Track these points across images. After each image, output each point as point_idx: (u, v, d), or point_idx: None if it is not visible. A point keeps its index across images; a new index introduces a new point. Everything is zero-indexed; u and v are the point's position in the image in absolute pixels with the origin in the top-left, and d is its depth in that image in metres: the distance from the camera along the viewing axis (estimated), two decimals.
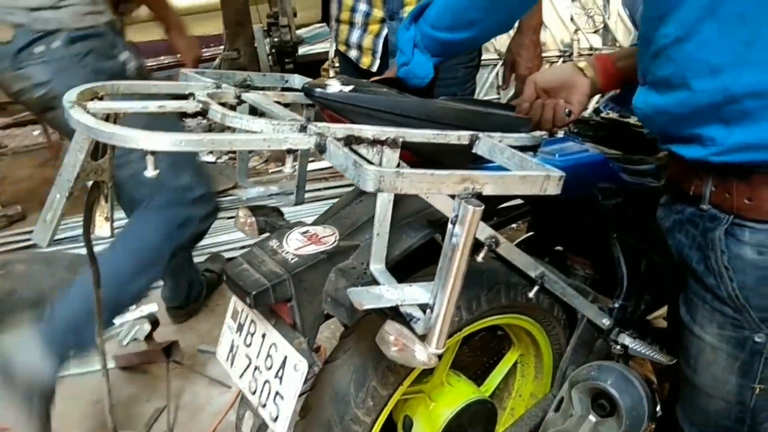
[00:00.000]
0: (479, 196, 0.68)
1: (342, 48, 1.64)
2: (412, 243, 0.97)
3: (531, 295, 1.10)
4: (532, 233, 1.57)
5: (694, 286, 0.90)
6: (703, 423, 0.97)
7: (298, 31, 3.77)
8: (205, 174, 1.69)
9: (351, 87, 0.89)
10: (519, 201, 1.33)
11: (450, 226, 0.69)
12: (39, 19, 1.33)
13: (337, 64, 3.30)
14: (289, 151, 0.73)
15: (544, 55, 2.22)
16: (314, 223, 1.05)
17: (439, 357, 0.75)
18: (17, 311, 1.73)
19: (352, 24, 1.58)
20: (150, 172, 0.67)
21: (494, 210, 1.26)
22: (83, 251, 2.46)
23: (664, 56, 0.81)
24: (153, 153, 0.67)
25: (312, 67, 3.73)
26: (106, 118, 0.77)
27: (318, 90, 0.89)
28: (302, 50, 3.76)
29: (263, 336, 0.98)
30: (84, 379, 1.95)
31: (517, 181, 0.71)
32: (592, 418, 1.19)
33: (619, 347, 1.25)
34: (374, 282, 0.90)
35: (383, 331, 0.80)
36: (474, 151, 0.89)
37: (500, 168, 0.83)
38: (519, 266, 1.06)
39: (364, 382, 1.00)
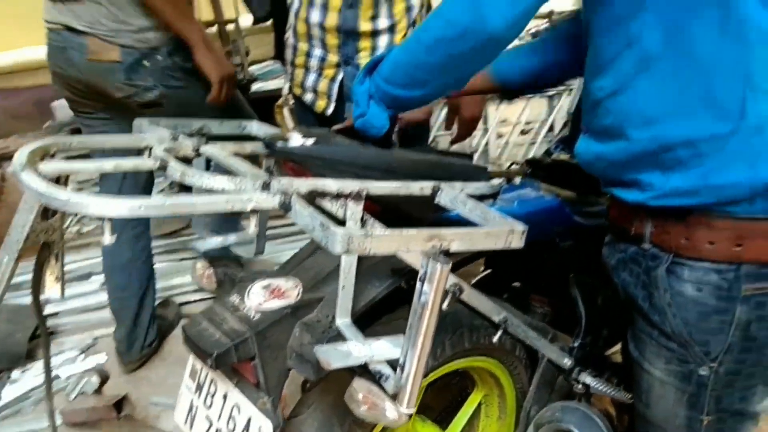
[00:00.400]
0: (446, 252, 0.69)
1: (297, 91, 1.64)
2: (377, 294, 0.96)
3: (495, 339, 1.11)
4: (489, 270, 1.59)
5: (641, 323, 0.93)
6: None
7: (251, 68, 3.75)
8: None
9: (313, 139, 0.89)
10: None
11: (419, 283, 0.69)
12: (142, 39, 1.62)
13: (291, 102, 3.31)
14: (253, 211, 0.71)
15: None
16: (276, 274, 1.03)
17: (409, 416, 0.74)
18: None
19: (307, 68, 1.58)
20: (107, 239, 0.64)
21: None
22: (26, 299, 2.37)
23: (602, 107, 0.85)
24: (110, 219, 0.64)
25: (266, 104, 3.71)
26: (57, 179, 0.75)
27: (279, 144, 0.89)
28: (255, 87, 3.73)
29: (224, 396, 0.94)
30: None
31: (483, 237, 0.71)
32: None
33: (580, 386, 1.26)
34: (340, 336, 0.89)
35: (352, 389, 0.79)
36: (436, 201, 0.90)
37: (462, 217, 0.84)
38: (482, 312, 1.07)
39: None
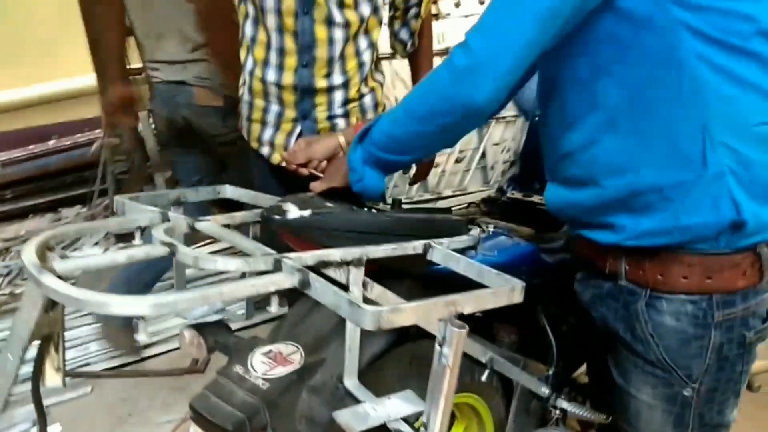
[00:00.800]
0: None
1: (254, 145, 1.66)
2: (378, 350, 1.00)
3: (483, 378, 1.17)
4: None
5: (625, 353, 1.01)
6: None
7: None
8: None
9: (309, 211, 0.93)
10: None
11: (437, 347, 0.74)
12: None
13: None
14: (275, 292, 0.74)
15: None
16: (271, 340, 1.05)
17: None
18: None
19: (264, 123, 1.61)
20: (141, 338, 0.66)
21: None
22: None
23: (572, 159, 0.93)
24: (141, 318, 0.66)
25: None
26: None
27: (278, 217, 0.92)
28: None
29: None
30: None
31: (490, 297, 0.78)
32: None
33: (558, 411, 1.34)
34: (348, 396, 0.92)
35: None
36: (428, 258, 0.96)
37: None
38: (471, 353, 1.13)
39: None
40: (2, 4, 3.94)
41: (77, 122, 4.15)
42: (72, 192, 3.87)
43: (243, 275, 0.81)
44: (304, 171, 1.24)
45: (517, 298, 0.80)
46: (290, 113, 1.56)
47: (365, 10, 1.50)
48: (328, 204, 1.00)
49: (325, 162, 1.21)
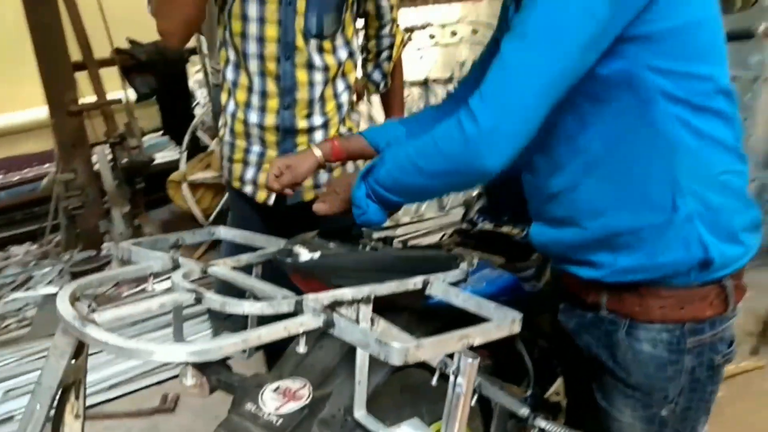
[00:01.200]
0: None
1: (236, 184, 1.70)
2: (381, 381, 1.06)
3: (473, 403, 1.24)
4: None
5: (608, 378, 1.09)
6: None
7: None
8: None
9: (318, 253, 0.99)
10: None
11: (452, 377, 0.81)
12: None
13: (191, 178, 3.30)
14: (303, 334, 0.80)
15: None
16: (277, 376, 1.10)
17: None
18: None
19: (246, 163, 1.66)
20: (189, 381, 0.70)
21: None
22: None
23: (555, 201, 1.03)
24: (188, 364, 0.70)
25: (160, 179, 3.66)
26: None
27: (290, 261, 0.98)
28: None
29: None
30: None
31: (495, 329, 0.86)
32: None
33: (537, 430, 1.43)
34: (359, 427, 0.98)
35: None
36: (427, 293, 1.03)
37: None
38: None
39: None
40: None
41: (24, 156, 4.05)
42: (22, 229, 3.76)
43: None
44: (290, 192, 1.31)
45: (516, 328, 0.88)
46: (272, 153, 1.62)
47: (342, 54, 1.59)
48: (331, 244, 1.06)
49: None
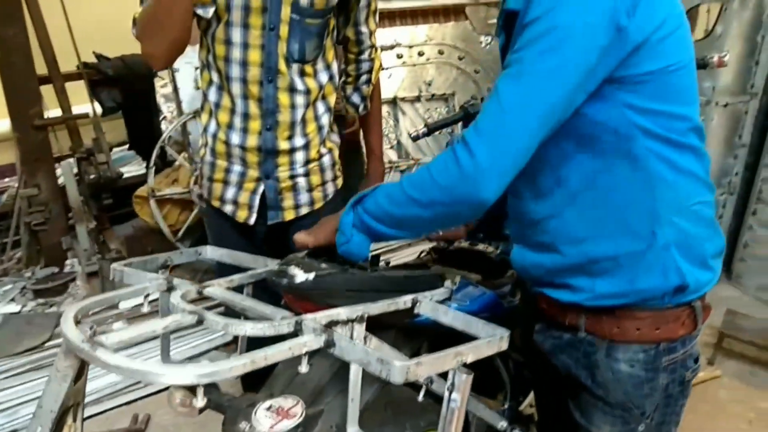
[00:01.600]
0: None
1: (216, 204, 1.71)
2: (371, 398, 1.10)
3: None
4: None
5: (587, 397, 1.13)
6: None
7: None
8: None
9: (313, 273, 1.02)
10: None
11: (446, 393, 0.86)
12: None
13: (158, 193, 3.27)
14: (305, 354, 0.83)
15: None
16: (269, 395, 1.12)
17: None
18: None
19: (226, 182, 1.67)
20: (199, 403, 0.73)
21: None
22: None
23: (538, 227, 1.08)
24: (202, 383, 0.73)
25: (125, 193, 3.61)
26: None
27: (285, 282, 1.01)
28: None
29: None
30: None
31: (486, 347, 0.91)
32: None
33: None
34: None
35: None
36: (416, 311, 1.08)
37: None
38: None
39: None
40: None
41: None
42: None
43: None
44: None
45: (505, 345, 0.94)
46: (253, 173, 1.64)
47: (323, 78, 1.63)
48: (323, 265, 1.09)
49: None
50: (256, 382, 1.20)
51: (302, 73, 1.57)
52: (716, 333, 2.69)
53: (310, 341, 0.83)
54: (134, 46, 1.51)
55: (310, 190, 1.70)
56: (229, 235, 1.74)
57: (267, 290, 1.16)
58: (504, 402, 1.52)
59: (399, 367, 0.77)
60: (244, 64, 1.52)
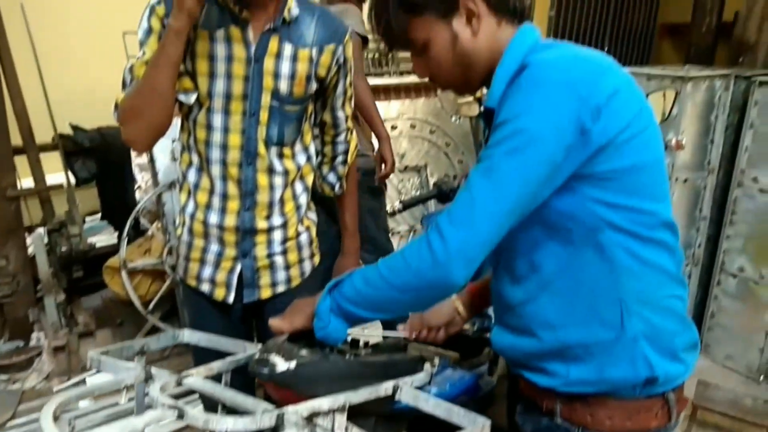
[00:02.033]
0: None
1: (192, 282, 1.71)
2: None
3: None
4: None
5: None
6: None
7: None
8: None
9: (294, 362, 1.03)
10: None
11: None
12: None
13: (131, 265, 3.23)
14: None
15: None
16: None
17: None
18: None
19: (203, 261, 1.67)
20: None
21: None
22: None
23: (514, 311, 1.11)
24: None
25: (95, 264, 3.56)
26: None
27: (266, 370, 1.01)
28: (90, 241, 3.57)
29: None
30: None
31: None
32: None
33: None
34: None
35: None
36: (397, 398, 1.08)
37: None
38: None
39: None
40: None
41: None
42: None
43: None
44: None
45: None
46: (230, 252, 1.66)
47: (301, 159, 1.68)
48: (303, 352, 1.10)
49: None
50: None
51: (281, 155, 1.62)
52: (690, 405, 2.71)
53: None
54: (111, 118, 1.54)
55: (288, 267, 1.72)
56: (205, 313, 1.73)
57: (244, 371, 1.16)
58: None
59: None
60: (225, 147, 1.56)
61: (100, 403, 2.66)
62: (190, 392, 1.01)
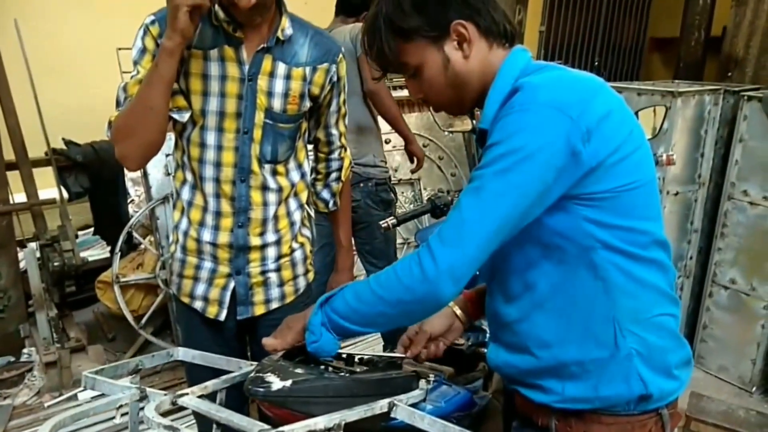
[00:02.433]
0: None
1: (185, 300, 1.70)
2: None
3: None
4: None
5: None
6: None
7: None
8: None
9: (290, 381, 1.03)
10: None
11: None
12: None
13: (123, 279, 3.22)
14: None
15: None
16: None
17: None
18: None
19: (196, 279, 1.67)
20: None
21: None
22: None
23: (509, 329, 1.12)
24: None
25: (87, 278, 3.54)
26: None
27: (261, 390, 1.01)
28: (83, 255, 3.55)
29: None
30: None
31: None
32: None
33: None
34: None
35: None
36: (393, 415, 1.09)
37: None
38: None
39: None
40: None
41: None
42: None
43: None
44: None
45: None
46: (224, 269, 1.66)
47: (295, 176, 1.69)
48: (299, 370, 1.10)
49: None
50: None
51: (275, 173, 1.62)
52: (683, 417, 2.72)
53: None
54: (104, 132, 1.53)
55: (282, 284, 1.72)
56: (198, 330, 1.73)
57: (237, 387, 1.16)
58: None
59: None
60: (218, 164, 1.57)
61: (94, 419, 2.64)
62: (184, 408, 1.01)
